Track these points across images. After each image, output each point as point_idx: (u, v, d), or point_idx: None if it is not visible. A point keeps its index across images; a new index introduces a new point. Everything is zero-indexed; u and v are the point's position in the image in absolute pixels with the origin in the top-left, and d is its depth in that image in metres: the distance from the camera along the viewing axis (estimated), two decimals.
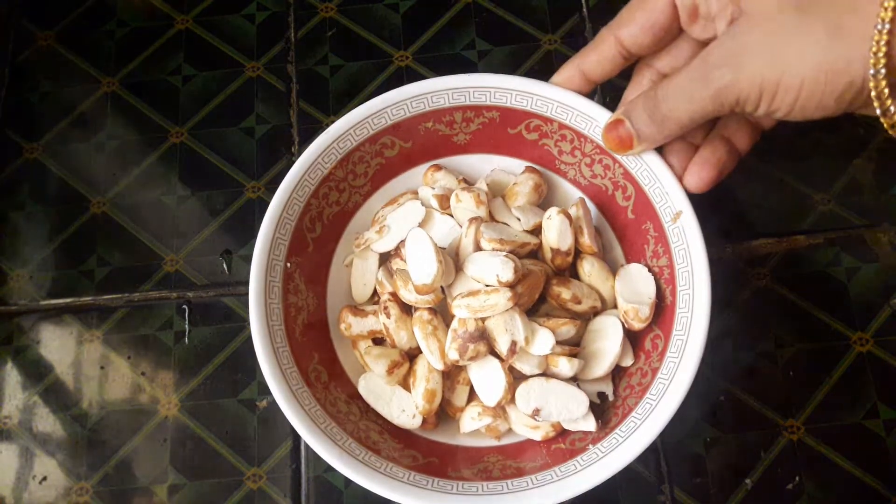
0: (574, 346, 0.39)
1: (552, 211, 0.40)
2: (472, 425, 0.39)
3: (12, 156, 0.52)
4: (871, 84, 0.29)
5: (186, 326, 0.47)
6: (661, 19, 0.37)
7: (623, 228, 0.43)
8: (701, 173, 0.38)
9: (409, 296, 0.39)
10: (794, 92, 0.31)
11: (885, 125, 0.31)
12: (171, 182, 0.51)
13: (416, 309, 0.39)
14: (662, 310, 0.39)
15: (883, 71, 0.29)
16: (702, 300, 0.37)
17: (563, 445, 0.38)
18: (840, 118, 0.49)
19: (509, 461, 0.38)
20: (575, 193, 0.44)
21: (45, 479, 0.44)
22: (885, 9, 0.29)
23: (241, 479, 0.44)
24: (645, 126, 0.37)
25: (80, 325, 0.48)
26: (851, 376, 0.45)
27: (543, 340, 0.37)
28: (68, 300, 0.48)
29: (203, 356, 0.47)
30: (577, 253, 0.42)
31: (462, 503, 0.35)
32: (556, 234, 0.40)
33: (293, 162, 0.41)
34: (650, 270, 0.41)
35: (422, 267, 0.37)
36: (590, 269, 0.41)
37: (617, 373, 0.40)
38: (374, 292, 0.42)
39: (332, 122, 0.42)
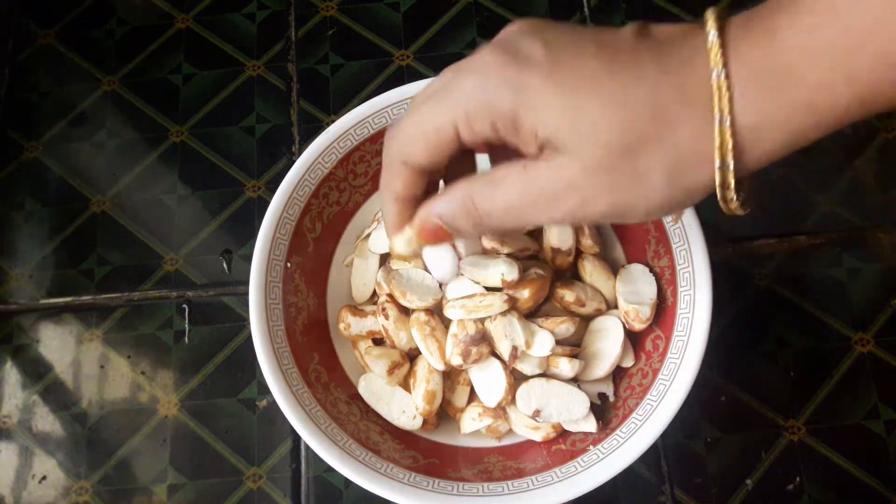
0: (575, 347, 0.39)
1: None
2: (472, 426, 0.39)
3: (12, 155, 0.52)
4: (717, 175, 0.26)
5: (186, 326, 0.47)
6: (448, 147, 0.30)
7: (624, 228, 0.43)
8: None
9: (407, 303, 0.39)
10: (640, 217, 0.28)
11: (723, 208, 0.28)
12: (171, 181, 0.50)
13: (414, 311, 0.39)
14: (663, 310, 0.39)
15: (731, 161, 0.26)
16: (703, 301, 0.37)
17: (563, 446, 0.38)
18: None
19: (510, 462, 0.38)
20: None
21: (44, 478, 0.44)
22: (720, 98, 0.25)
23: (241, 478, 0.44)
24: (463, 229, 0.31)
25: (79, 325, 0.47)
26: (852, 377, 0.45)
27: (543, 342, 0.37)
28: (68, 299, 0.48)
29: (203, 356, 0.46)
30: (578, 253, 0.42)
31: None
32: (556, 233, 0.40)
33: (293, 161, 0.41)
34: (651, 271, 0.41)
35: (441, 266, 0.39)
36: (591, 269, 0.41)
37: (618, 373, 0.40)
38: (375, 292, 0.42)
39: (333, 121, 0.42)
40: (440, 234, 0.31)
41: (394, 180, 0.32)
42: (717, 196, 0.27)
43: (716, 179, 0.26)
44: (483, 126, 0.28)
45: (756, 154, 0.26)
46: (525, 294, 0.38)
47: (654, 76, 0.26)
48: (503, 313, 0.37)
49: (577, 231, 0.41)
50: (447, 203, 0.30)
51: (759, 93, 0.25)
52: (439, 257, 0.39)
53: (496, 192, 0.29)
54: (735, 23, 0.26)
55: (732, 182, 0.26)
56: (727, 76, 0.25)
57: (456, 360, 0.37)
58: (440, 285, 0.39)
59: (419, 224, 0.32)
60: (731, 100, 0.25)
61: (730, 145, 0.25)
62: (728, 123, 0.25)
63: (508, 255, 0.39)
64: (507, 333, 0.37)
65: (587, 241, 0.41)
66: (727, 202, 0.27)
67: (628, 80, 0.26)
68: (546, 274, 0.39)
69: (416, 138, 0.30)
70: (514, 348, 0.37)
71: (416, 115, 0.30)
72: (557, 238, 0.40)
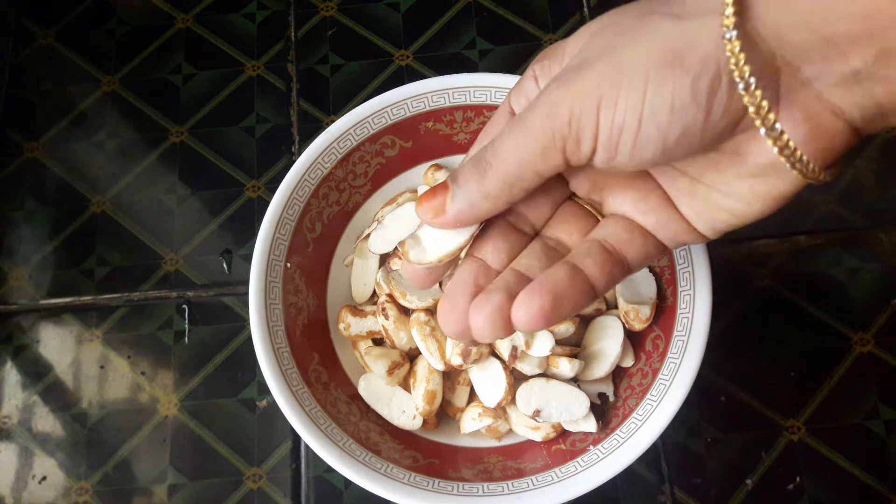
0: (575, 347, 0.39)
1: None
2: (472, 426, 0.39)
3: (12, 155, 0.52)
4: (728, 50, 0.23)
5: (186, 326, 0.47)
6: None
7: None
8: (530, 304, 0.26)
9: (407, 303, 0.39)
10: (638, 91, 0.24)
11: (769, 140, 0.24)
12: (171, 181, 0.50)
13: (414, 311, 0.39)
14: (663, 310, 0.39)
15: (735, 34, 0.22)
16: (703, 301, 0.37)
17: (563, 446, 0.38)
18: None
19: (510, 462, 0.38)
20: None
21: (44, 478, 0.44)
22: None
23: (241, 479, 0.44)
24: (464, 180, 0.28)
25: (79, 325, 0.47)
26: (852, 377, 0.45)
27: (543, 342, 0.37)
28: (68, 299, 0.48)
29: (203, 356, 0.46)
30: None
31: None
32: None
33: (293, 161, 0.41)
34: (651, 270, 0.41)
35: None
36: None
37: (617, 373, 0.40)
38: (375, 292, 0.42)
39: (333, 121, 0.42)
40: (438, 205, 0.28)
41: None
42: (749, 109, 0.23)
43: (732, 69, 0.23)
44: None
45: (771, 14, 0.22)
46: None
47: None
48: None
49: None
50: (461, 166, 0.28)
51: None
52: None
53: (505, 131, 0.27)
54: None
55: (747, 68, 0.22)
56: None
57: (456, 360, 0.37)
58: (440, 285, 0.39)
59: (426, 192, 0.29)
60: None
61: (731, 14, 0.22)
62: None
63: None
64: None
65: None
66: (760, 113, 0.23)
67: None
68: None
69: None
70: (514, 348, 0.37)
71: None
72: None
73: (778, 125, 0.23)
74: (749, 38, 0.23)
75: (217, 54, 0.54)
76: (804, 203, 0.48)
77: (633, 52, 0.24)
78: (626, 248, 0.28)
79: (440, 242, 0.30)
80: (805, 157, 0.24)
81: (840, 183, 0.49)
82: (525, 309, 0.26)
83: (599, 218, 0.30)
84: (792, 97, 0.23)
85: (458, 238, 0.29)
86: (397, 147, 0.43)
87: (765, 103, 0.23)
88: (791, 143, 0.24)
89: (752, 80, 0.23)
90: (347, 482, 0.43)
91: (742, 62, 0.23)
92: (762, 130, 0.24)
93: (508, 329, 0.27)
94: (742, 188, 0.26)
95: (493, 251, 0.29)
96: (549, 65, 0.28)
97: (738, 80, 0.23)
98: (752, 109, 0.23)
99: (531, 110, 0.26)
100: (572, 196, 0.31)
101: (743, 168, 0.26)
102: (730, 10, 0.22)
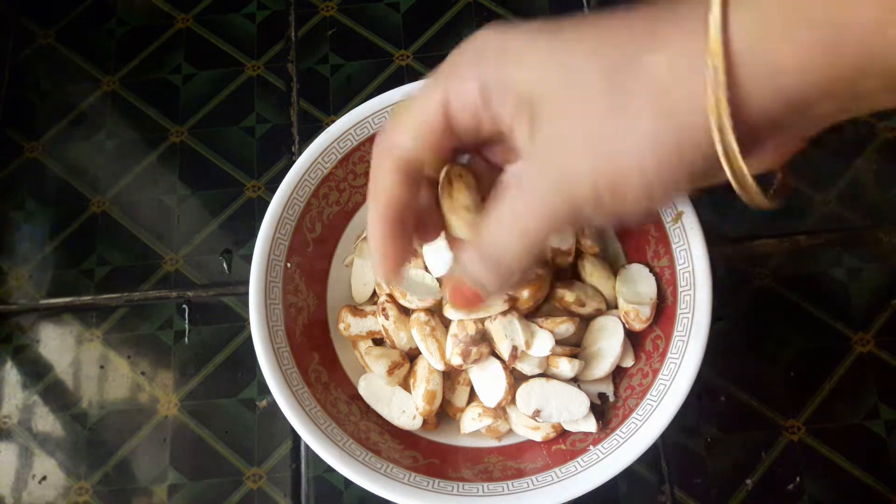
0: (575, 347, 0.39)
1: None
2: (472, 426, 0.39)
3: (12, 155, 0.52)
4: (716, 138, 0.22)
5: (186, 326, 0.47)
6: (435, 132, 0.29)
7: (624, 228, 0.43)
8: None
9: (407, 303, 0.39)
10: (635, 187, 0.24)
11: (743, 196, 0.25)
12: (171, 181, 0.50)
13: (414, 311, 0.39)
14: (663, 310, 0.39)
15: (727, 119, 0.22)
16: (703, 301, 0.37)
17: (563, 446, 0.38)
18: None
19: (510, 462, 0.38)
20: None
21: (44, 478, 0.44)
22: (712, 54, 0.22)
23: (241, 479, 0.44)
24: (484, 277, 0.29)
25: (79, 325, 0.47)
26: (852, 377, 0.45)
27: (542, 342, 0.37)
28: (68, 299, 0.48)
29: (203, 356, 0.46)
30: (578, 253, 0.42)
31: None
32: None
33: (293, 161, 0.41)
34: (651, 271, 0.41)
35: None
36: (591, 269, 0.41)
37: (618, 373, 0.40)
38: (375, 292, 0.42)
39: (333, 121, 0.42)
40: (472, 300, 0.30)
41: (380, 179, 0.29)
42: (724, 163, 0.23)
43: (718, 149, 0.23)
44: (468, 96, 0.26)
45: (759, 79, 0.22)
46: (524, 294, 0.38)
47: (639, 16, 0.24)
48: (503, 313, 0.37)
49: (578, 231, 0.41)
50: (465, 259, 0.29)
51: (758, 13, 0.22)
52: (438, 255, 0.39)
53: (488, 217, 0.27)
54: None
55: (730, 127, 0.22)
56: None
57: (456, 360, 0.37)
58: (440, 285, 0.39)
59: (452, 292, 0.30)
60: (724, 4, 0.22)
61: (720, 55, 0.21)
62: (719, 32, 0.21)
63: None
64: (507, 333, 0.37)
65: (587, 241, 0.41)
66: (741, 181, 0.24)
67: (611, 23, 0.24)
68: (545, 273, 0.39)
69: (402, 124, 0.28)
70: (514, 348, 0.37)
71: (403, 105, 0.29)
72: (557, 238, 0.40)
73: (747, 177, 0.24)
74: (737, 109, 0.22)
75: (217, 54, 0.54)
76: (804, 203, 0.48)
77: (627, 144, 0.24)
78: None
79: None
80: (759, 193, 0.25)
81: (840, 183, 0.49)
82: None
83: None
84: (764, 142, 0.24)
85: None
86: None
87: (739, 160, 0.23)
88: (753, 187, 0.24)
89: (736, 147, 0.23)
90: (347, 482, 0.43)
91: (735, 154, 0.23)
92: (729, 174, 0.24)
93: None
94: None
95: None
96: (489, 89, 0.27)
97: (720, 154, 0.23)
98: (727, 169, 0.24)
99: (532, 214, 0.26)
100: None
101: (707, 181, 0.26)
102: (722, 97, 0.22)
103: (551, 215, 0.26)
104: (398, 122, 0.29)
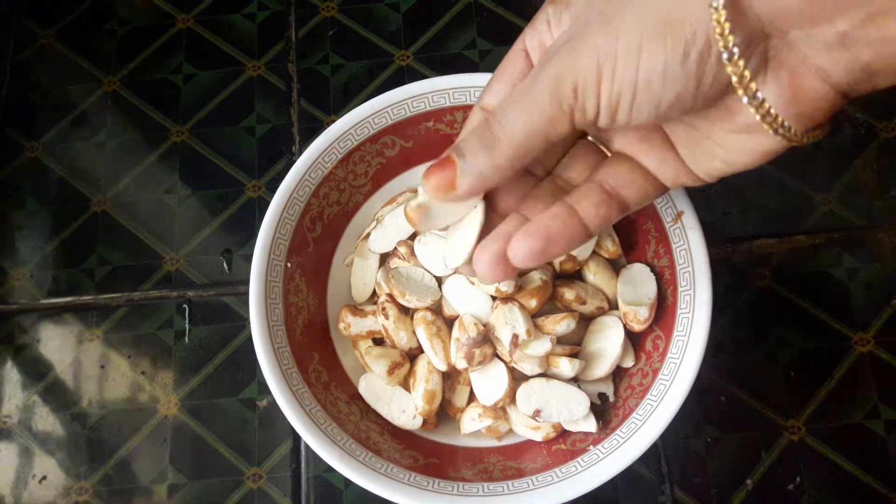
0: (575, 347, 0.39)
1: None
2: (472, 426, 0.39)
3: (13, 154, 0.52)
4: (714, 20, 0.23)
5: (187, 326, 0.47)
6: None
7: (624, 229, 0.43)
8: (521, 245, 0.29)
9: (406, 302, 0.39)
10: (633, 62, 0.25)
11: (752, 108, 0.25)
12: (171, 181, 0.50)
13: (417, 310, 0.39)
14: (663, 310, 0.39)
15: (721, 3, 0.23)
16: (703, 301, 0.37)
17: (563, 446, 0.38)
18: (839, 118, 0.49)
19: (510, 462, 0.38)
20: None
21: (44, 478, 0.44)
22: None
23: (241, 478, 0.44)
24: (472, 154, 0.28)
25: (80, 325, 0.47)
26: (852, 377, 0.45)
27: (542, 341, 0.37)
28: (68, 299, 0.48)
29: (203, 355, 0.46)
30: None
31: None
32: None
33: (294, 161, 0.41)
34: (651, 270, 0.41)
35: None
36: (595, 268, 0.41)
37: (618, 373, 0.40)
38: (375, 292, 0.42)
39: (333, 121, 0.42)
40: (446, 182, 0.29)
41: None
42: (732, 79, 0.24)
43: (717, 40, 0.23)
44: (540, 35, 0.30)
45: None
46: (532, 304, 0.38)
47: None
48: (504, 300, 0.37)
49: (599, 236, 0.41)
50: (463, 139, 0.29)
51: None
52: (433, 253, 0.39)
53: (507, 96, 0.28)
54: None
55: (731, 37, 0.23)
56: None
57: (461, 364, 0.37)
58: (439, 285, 0.39)
59: (429, 167, 0.29)
60: None
61: None
62: None
63: None
64: (507, 321, 0.37)
65: (606, 243, 0.41)
66: (743, 83, 0.24)
67: None
68: (548, 278, 0.39)
69: (489, 87, 0.32)
70: (515, 336, 0.37)
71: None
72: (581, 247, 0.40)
73: (760, 94, 0.24)
74: (736, 5, 0.23)
75: (218, 54, 0.54)
76: (804, 203, 0.48)
77: (630, 19, 0.25)
78: (626, 188, 0.30)
79: (449, 209, 0.30)
80: (787, 123, 0.25)
81: (840, 183, 0.49)
82: (517, 249, 0.29)
83: (608, 154, 0.31)
84: (779, 62, 0.24)
85: (467, 205, 0.30)
86: (398, 147, 0.43)
87: (747, 73, 0.24)
88: (773, 111, 0.25)
89: (736, 50, 0.23)
90: (347, 482, 0.43)
91: (727, 31, 0.23)
92: (744, 99, 0.25)
93: (509, 270, 0.29)
94: (732, 141, 0.27)
95: (503, 195, 0.31)
96: (560, 9, 0.29)
97: (721, 50, 0.23)
98: (734, 79, 0.24)
99: (536, 83, 0.27)
100: (584, 135, 0.32)
101: (732, 125, 0.26)
102: None
103: (556, 96, 0.26)
104: (487, 85, 0.31)
